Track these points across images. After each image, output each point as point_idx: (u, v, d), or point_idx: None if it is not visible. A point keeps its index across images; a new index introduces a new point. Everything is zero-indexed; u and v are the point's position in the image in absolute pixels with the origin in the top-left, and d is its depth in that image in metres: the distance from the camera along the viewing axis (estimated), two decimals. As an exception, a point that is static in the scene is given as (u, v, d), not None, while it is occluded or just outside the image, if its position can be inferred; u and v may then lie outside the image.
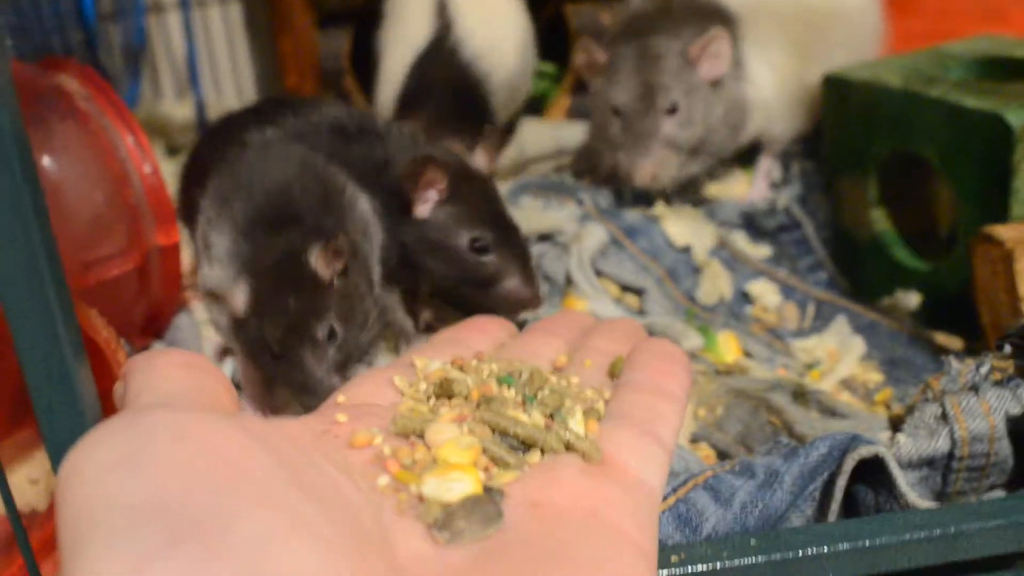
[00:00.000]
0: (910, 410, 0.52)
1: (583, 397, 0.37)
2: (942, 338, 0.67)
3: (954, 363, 0.51)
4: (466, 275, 0.60)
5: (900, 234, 0.75)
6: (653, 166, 0.78)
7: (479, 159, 0.64)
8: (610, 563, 0.28)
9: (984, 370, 0.50)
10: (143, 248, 0.65)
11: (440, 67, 0.87)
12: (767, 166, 0.84)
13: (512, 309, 0.58)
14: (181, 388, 0.30)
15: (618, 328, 0.44)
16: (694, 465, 0.51)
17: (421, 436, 0.33)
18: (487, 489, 0.30)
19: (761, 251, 0.77)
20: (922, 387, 0.52)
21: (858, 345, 0.65)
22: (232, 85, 1.20)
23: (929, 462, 0.49)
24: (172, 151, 1.08)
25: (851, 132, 0.74)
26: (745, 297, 0.72)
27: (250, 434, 0.27)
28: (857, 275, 0.76)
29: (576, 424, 0.34)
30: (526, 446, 0.33)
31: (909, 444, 0.49)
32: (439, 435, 0.32)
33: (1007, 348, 0.50)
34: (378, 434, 0.32)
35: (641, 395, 0.37)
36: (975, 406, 0.49)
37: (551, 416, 0.35)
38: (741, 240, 0.77)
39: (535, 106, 1.02)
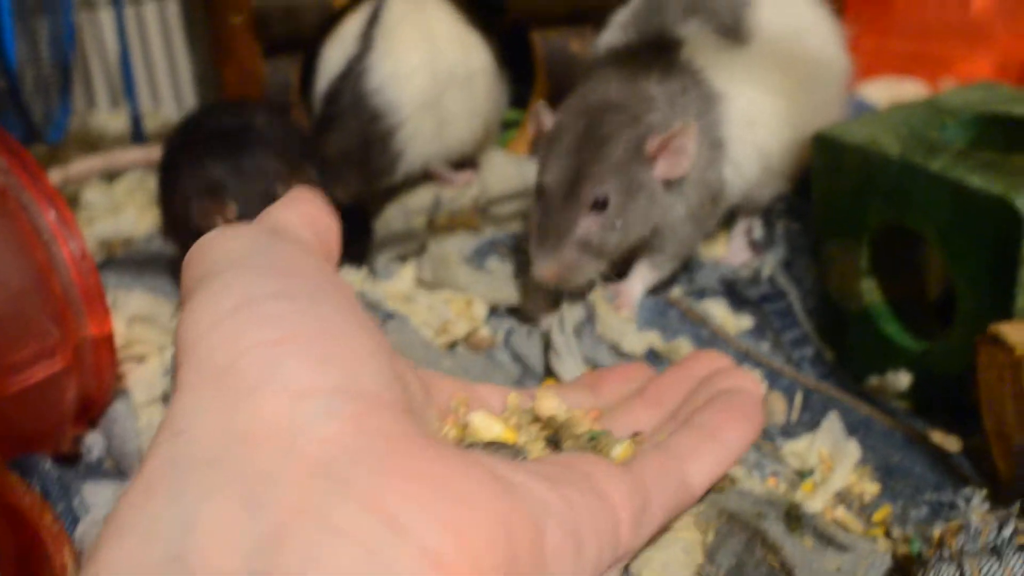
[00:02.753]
0: (921, 562, 0.48)
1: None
2: (939, 437, 0.62)
3: (974, 519, 0.47)
4: None
5: (889, 303, 0.71)
6: (556, 267, 0.66)
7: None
8: (593, 478, 0.35)
9: (1007, 532, 0.46)
10: (73, 342, 0.59)
11: (346, 93, 0.81)
12: (746, 226, 0.79)
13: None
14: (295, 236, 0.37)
15: (729, 396, 0.46)
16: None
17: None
18: (517, 448, 0.38)
19: (743, 323, 0.72)
20: (937, 537, 0.48)
21: (852, 451, 0.60)
22: (171, 93, 1.12)
23: (948, 632, 0.45)
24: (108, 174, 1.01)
25: (843, 198, 0.69)
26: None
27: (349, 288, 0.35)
28: (844, 350, 0.72)
29: (618, 447, 0.40)
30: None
31: (928, 617, 0.45)
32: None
33: (1033, 511, 0.46)
34: (462, 405, 0.42)
35: (690, 432, 0.42)
36: (996, 573, 0.45)
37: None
38: (721, 310, 0.72)
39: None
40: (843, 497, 0.58)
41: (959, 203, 0.62)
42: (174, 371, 0.30)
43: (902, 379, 0.67)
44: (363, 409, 0.29)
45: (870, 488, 0.59)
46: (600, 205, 0.66)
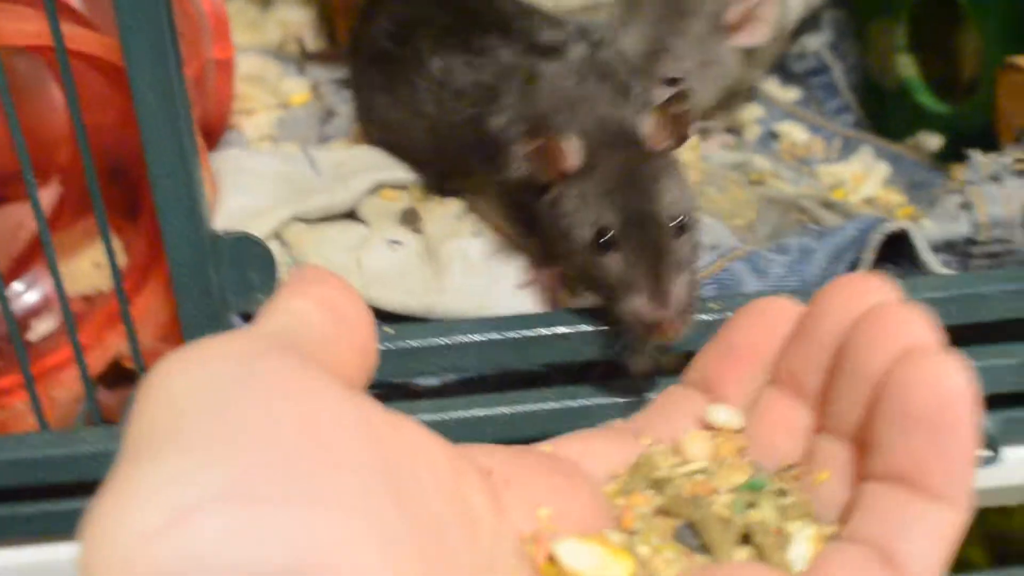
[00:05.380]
0: (932, 203, 0.56)
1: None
2: (961, 171, 0.69)
3: (977, 156, 0.54)
4: (590, 276, 0.46)
5: (925, 80, 0.78)
6: None
7: (647, 127, 0.47)
8: None
9: (1006, 161, 0.53)
10: (200, 59, 0.68)
11: None
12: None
13: (639, 332, 0.44)
14: (313, 333, 0.26)
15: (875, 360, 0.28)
16: (726, 239, 0.54)
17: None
18: None
19: (790, 94, 0.79)
20: (944, 180, 0.56)
21: (882, 169, 0.68)
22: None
23: (950, 246, 0.53)
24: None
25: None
26: (774, 136, 0.74)
27: (369, 425, 0.23)
28: (882, 118, 0.79)
29: (800, 547, 0.28)
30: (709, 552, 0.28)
31: (932, 227, 0.52)
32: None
33: (1029, 140, 0.53)
34: (545, 511, 0.29)
35: (886, 492, 0.27)
36: (995, 193, 0.52)
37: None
38: (771, 84, 0.80)
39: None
40: (871, 203, 0.65)
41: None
42: None
43: (933, 140, 0.74)
44: None
45: (896, 198, 0.66)
46: (675, 80, 0.64)
